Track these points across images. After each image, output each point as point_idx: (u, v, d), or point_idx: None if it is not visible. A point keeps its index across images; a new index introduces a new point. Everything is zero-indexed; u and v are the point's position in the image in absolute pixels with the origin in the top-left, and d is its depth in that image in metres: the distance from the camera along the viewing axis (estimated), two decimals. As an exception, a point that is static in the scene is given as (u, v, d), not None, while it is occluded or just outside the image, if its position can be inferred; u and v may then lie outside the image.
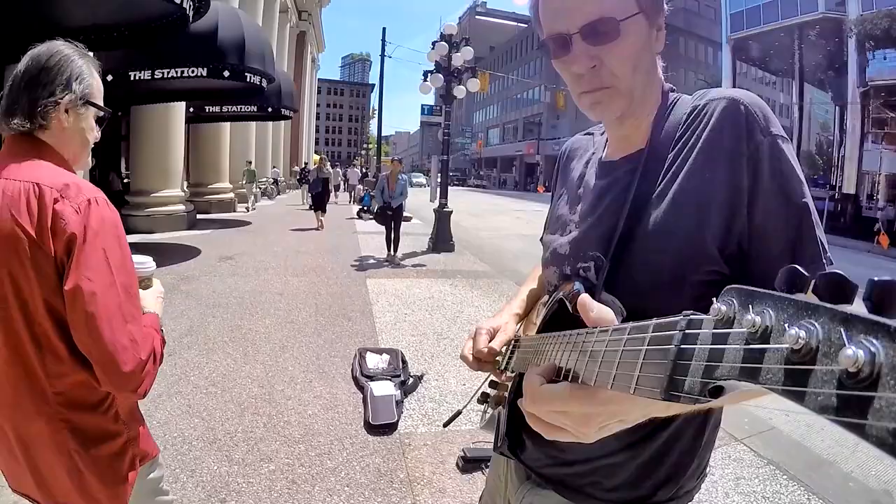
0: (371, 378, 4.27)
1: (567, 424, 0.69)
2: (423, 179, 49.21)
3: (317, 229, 14.49)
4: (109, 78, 8.32)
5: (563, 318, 0.96)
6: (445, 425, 1.56)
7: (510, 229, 17.96)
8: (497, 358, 1.16)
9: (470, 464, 3.21)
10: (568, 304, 0.91)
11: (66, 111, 1.32)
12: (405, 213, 18.19)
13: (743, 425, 3.89)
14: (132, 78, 8.27)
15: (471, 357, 1.16)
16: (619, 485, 1.00)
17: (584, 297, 0.71)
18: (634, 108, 0.96)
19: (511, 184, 73.40)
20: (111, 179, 12.99)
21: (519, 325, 1.24)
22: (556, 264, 1.09)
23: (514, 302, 1.29)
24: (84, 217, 1.21)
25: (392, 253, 10.38)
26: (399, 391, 4.07)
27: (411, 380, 4.40)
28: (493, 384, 1.27)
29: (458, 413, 1.46)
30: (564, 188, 1.20)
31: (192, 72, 8.33)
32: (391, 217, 10.30)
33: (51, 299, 1.21)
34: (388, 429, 3.63)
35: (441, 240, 11.74)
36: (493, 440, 1.16)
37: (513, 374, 1.11)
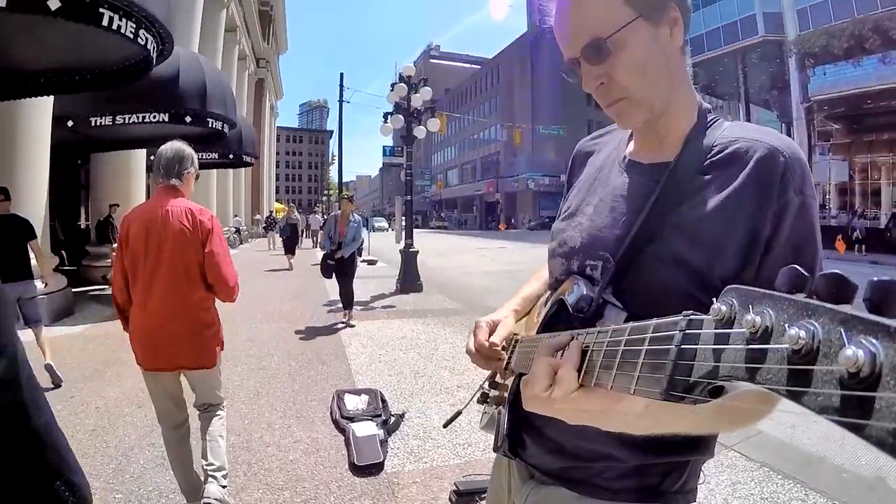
0: (352, 419, 4.16)
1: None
2: (384, 223, 49.28)
3: (288, 269, 16.19)
4: (70, 123, 8.19)
5: (563, 318, 0.97)
6: (445, 426, 1.52)
7: (475, 266, 18.05)
8: (502, 353, 1.15)
9: (463, 497, 3.12)
10: (568, 304, 0.92)
11: (191, 175, 2.90)
12: (368, 256, 18.11)
13: (731, 433, 3.90)
14: (92, 123, 8.15)
15: (474, 350, 1.16)
16: (626, 473, 0.99)
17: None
18: (660, 112, 0.96)
19: (472, 222, 74.11)
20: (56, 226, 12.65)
21: (518, 321, 1.24)
22: (563, 256, 1.07)
23: (513, 299, 1.29)
24: (210, 221, 2.80)
25: (346, 313, 8.29)
26: (382, 430, 3.98)
27: (393, 419, 4.29)
28: (493, 384, 1.27)
29: (458, 413, 1.43)
30: (580, 179, 1.19)
31: (154, 117, 8.24)
32: (336, 269, 8.14)
33: (198, 257, 2.74)
34: (375, 469, 3.51)
35: (409, 280, 11.73)
36: (493, 441, 1.16)
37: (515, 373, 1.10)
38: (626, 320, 0.83)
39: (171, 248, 2.69)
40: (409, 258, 11.86)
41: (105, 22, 3.99)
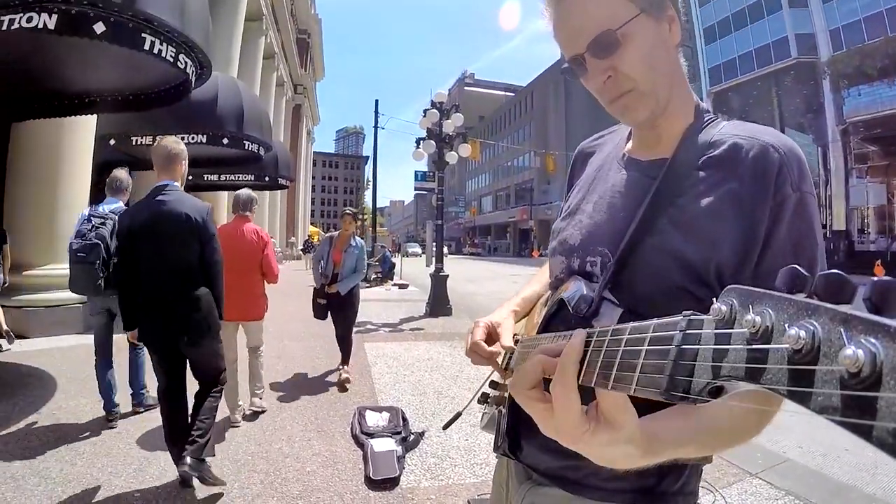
0: (371, 435, 4.18)
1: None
2: (418, 249, 49.43)
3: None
4: (112, 142, 8.50)
5: (563, 318, 0.98)
6: (445, 427, 1.53)
7: (506, 293, 17.75)
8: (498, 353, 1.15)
9: (476, 515, 3.11)
10: (568, 304, 0.92)
11: (254, 210, 5.06)
12: (399, 280, 18.21)
13: (756, 459, 3.84)
14: (134, 143, 8.42)
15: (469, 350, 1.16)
16: (621, 474, 0.95)
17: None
18: (663, 106, 0.98)
19: (504, 249, 73.83)
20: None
21: (518, 322, 1.24)
22: (563, 254, 1.09)
23: (513, 300, 1.30)
24: (266, 236, 5.00)
25: (342, 368, 6.05)
26: (400, 447, 3.99)
27: (412, 436, 4.30)
28: (493, 384, 1.27)
29: (458, 415, 1.43)
30: (581, 179, 1.22)
31: (193, 138, 8.47)
32: (331, 308, 6.04)
33: (259, 257, 4.83)
34: (390, 484, 3.52)
35: (438, 304, 11.72)
36: (493, 441, 1.16)
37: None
38: (623, 317, 0.86)
39: (244, 251, 4.76)
40: (439, 282, 11.88)
41: (146, 46, 4.18)
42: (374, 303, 13.56)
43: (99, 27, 3.75)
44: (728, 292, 0.44)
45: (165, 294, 3.13)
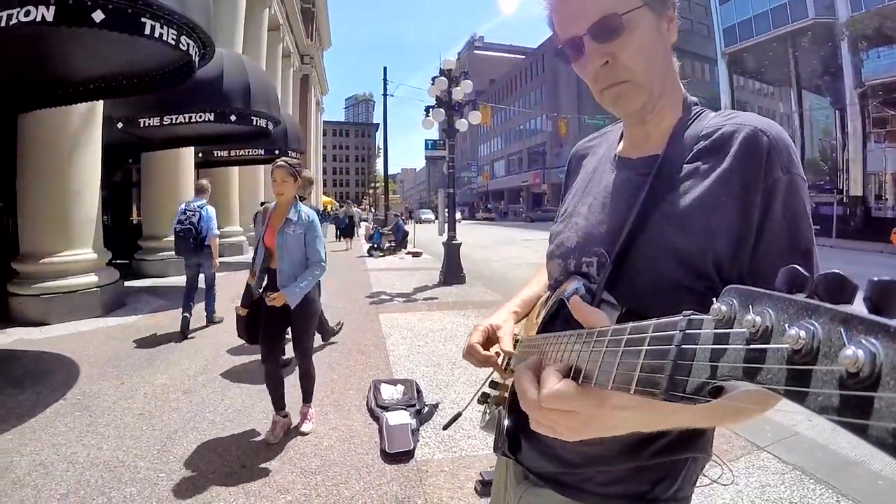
0: (386, 408, 4.27)
1: (571, 425, 0.71)
2: (430, 215, 49.29)
3: (347, 249, 21.05)
4: (120, 125, 8.55)
5: (563, 318, 0.98)
6: (445, 427, 1.55)
7: (519, 258, 17.96)
8: (496, 357, 1.17)
9: (488, 487, 3.17)
10: (568, 304, 0.92)
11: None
12: (413, 248, 18.19)
13: (765, 433, 3.85)
14: (141, 125, 8.47)
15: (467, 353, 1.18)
16: (618, 479, 1.00)
17: (575, 301, 0.72)
18: (655, 101, 0.99)
19: (514, 214, 73.54)
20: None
21: (518, 323, 1.24)
22: (560, 257, 1.09)
23: (512, 301, 1.31)
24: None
25: (304, 408, 4.15)
26: (414, 420, 4.07)
27: (426, 409, 4.38)
28: (493, 384, 1.28)
29: (459, 415, 1.46)
30: (574, 182, 1.22)
31: (200, 117, 8.49)
32: (268, 325, 3.89)
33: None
34: (405, 457, 3.60)
35: (451, 272, 11.76)
36: (493, 441, 1.16)
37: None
38: (620, 317, 0.85)
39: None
40: (451, 250, 11.90)
41: (147, 31, 4.17)
42: (387, 272, 13.69)
43: (98, 15, 3.75)
44: (728, 292, 0.45)
45: None
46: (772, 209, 0.83)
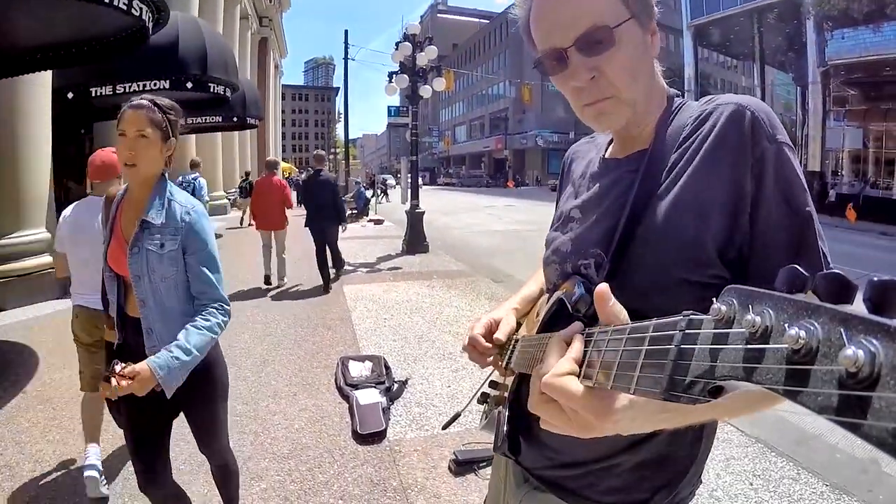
0: (355, 387, 4.26)
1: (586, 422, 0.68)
2: (392, 181, 48.93)
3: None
4: (70, 95, 8.16)
5: (563, 318, 0.96)
6: (444, 428, 1.55)
7: (483, 226, 18.06)
8: (496, 351, 1.16)
9: (462, 466, 3.21)
10: (567, 304, 0.92)
11: (280, 169, 8.63)
12: (374, 216, 18.21)
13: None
14: (93, 94, 8.12)
15: (468, 345, 1.17)
16: (617, 487, 1.01)
17: (603, 288, 0.69)
18: (639, 117, 0.97)
19: (478, 180, 73.76)
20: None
21: (518, 319, 1.24)
22: (557, 262, 1.09)
23: (513, 298, 1.30)
24: (285, 184, 9.04)
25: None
26: (385, 398, 4.07)
27: (396, 385, 4.39)
28: (493, 384, 1.28)
29: (458, 415, 1.46)
30: (568, 187, 1.21)
31: (155, 84, 8.17)
32: (139, 412, 2.11)
33: (281, 195, 8.63)
34: (377, 437, 3.62)
35: (415, 241, 11.75)
36: (492, 441, 1.16)
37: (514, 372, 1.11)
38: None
39: (273, 191, 8.15)
40: (414, 219, 11.86)
41: (98, -4, 3.96)
42: (350, 241, 13.48)
43: (45, -20, 3.53)
44: (728, 292, 0.44)
45: None
46: (764, 179, 0.83)
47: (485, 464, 3.20)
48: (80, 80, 7.99)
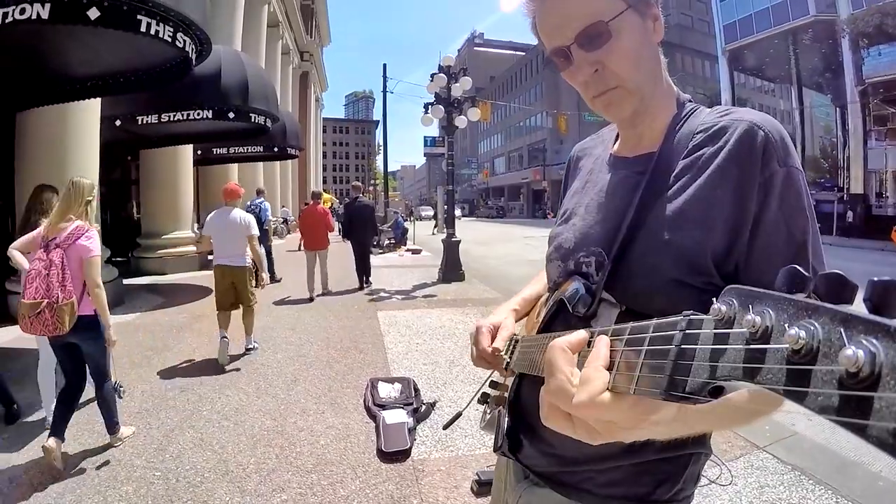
0: (383, 407, 4.26)
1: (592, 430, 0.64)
2: (430, 211, 49.21)
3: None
4: (118, 123, 8.52)
5: (563, 319, 0.98)
6: (445, 427, 1.55)
7: (519, 255, 17.95)
8: (502, 355, 1.15)
9: (484, 487, 3.17)
10: (568, 304, 0.92)
11: (322, 199, 10.58)
12: (413, 245, 18.38)
13: (764, 433, 3.84)
14: (140, 122, 8.47)
15: (477, 356, 1.17)
16: (618, 481, 0.99)
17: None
18: (646, 104, 0.98)
19: (518, 211, 73.48)
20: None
21: (518, 321, 1.24)
22: (559, 259, 1.09)
23: (512, 299, 1.30)
24: (326, 210, 10.97)
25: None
26: (411, 418, 4.06)
27: (424, 407, 4.37)
28: (493, 384, 1.28)
29: (459, 415, 1.45)
30: (574, 183, 1.22)
31: (198, 114, 8.48)
32: None
33: (325, 220, 10.26)
34: (401, 456, 3.60)
35: (450, 269, 11.75)
36: (493, 441, 1.16)
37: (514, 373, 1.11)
38: (620, 315, 0.86)
39: (317, 217, 10.05)
40: (451, 248, 11.87)
41: (143, 28, 4.17)
42: (386, 269, 13.67)
43: (93, 13, 3.75)
44: (728, 292, 0.45)
45: None
46: (769, 202, 0.83)
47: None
48: (128, 109, 8.35)
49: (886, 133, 25.67)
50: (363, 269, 10.96)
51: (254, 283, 6.21)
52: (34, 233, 3.52)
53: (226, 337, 5.66)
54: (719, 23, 35.13)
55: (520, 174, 75.23)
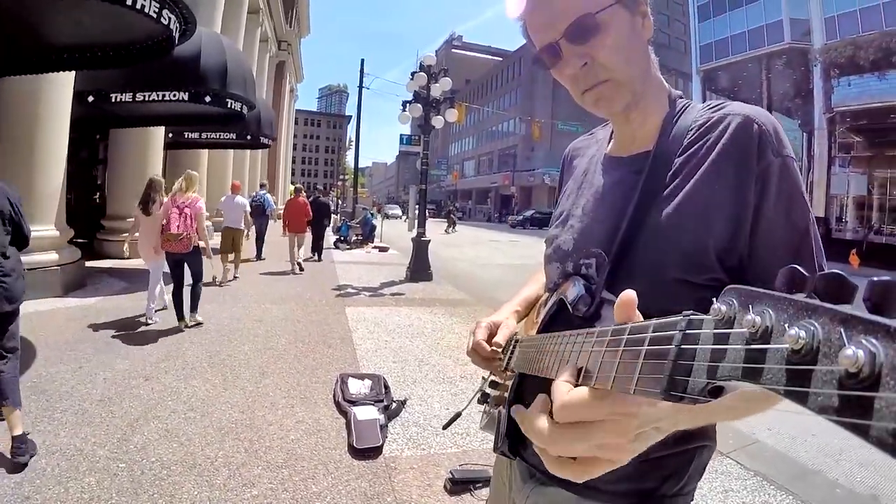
0: (354, 403, 4.22)
1: (603, 445, 0.63)
2: (398, 211, 49.06)
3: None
4: (90, 99, 8.27)
5: (563, 319, 0.97)
6: (445, 427, 1.52)
7: (487, 259, 18.05)
8: (501, 355, 1.15)
9: (458, 485, 3.17)
10: (569, 304, 0.92)
11: (303, 194, 13.80)
12: (380, 243, 18.70)
13: (727, 440, 3.92)
14: (113, 100, 8.24)
15: (472, 350, 1.16)
16: (625, 476, 0.97)
17: (630, 295, 0.66)
18: (637, 99, 0.99)
19: (483, 215, 73.88)
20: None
21: (519, 322, 1.23)
22: (558, 260, 1.09)
23: (513, 300, 1.30)
24: (305, 201, 13.56)
25: None
26: (383, 415, 4.03)
27: (395, 404, 4.35)
28: (493, 384, 1.26)
29: (458, 415, 1.43)
30: (569, 184, 1.21)
31: (174, 95, 8.29)
32: None
33: (305, 210, 13.03)
34: (373, 453, 3.56)
35: (419, 269, 11.75)
36: (493, 441, 1.15)
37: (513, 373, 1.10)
38: None
39: (298, 207, 12.77)
40: (420, 247, 11.89)
41: (129, 1, 4.05)
42: (354, 265, 13.66)
43: (80, -19, 3.62)
44: (728, 292, 0.44)
45: None
46: (767, 193, 0.84)
47: (481, 485, 3.16)
48: (103, 85, 8.12)
49: (850, 160, 26.63)
50: (317, 248, 14.67)
51: (245, 235, 10.79)
52: (167, 201, 6.34)
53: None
54: (696, 43, 35.97)
55: (489, 178, 75.84)
